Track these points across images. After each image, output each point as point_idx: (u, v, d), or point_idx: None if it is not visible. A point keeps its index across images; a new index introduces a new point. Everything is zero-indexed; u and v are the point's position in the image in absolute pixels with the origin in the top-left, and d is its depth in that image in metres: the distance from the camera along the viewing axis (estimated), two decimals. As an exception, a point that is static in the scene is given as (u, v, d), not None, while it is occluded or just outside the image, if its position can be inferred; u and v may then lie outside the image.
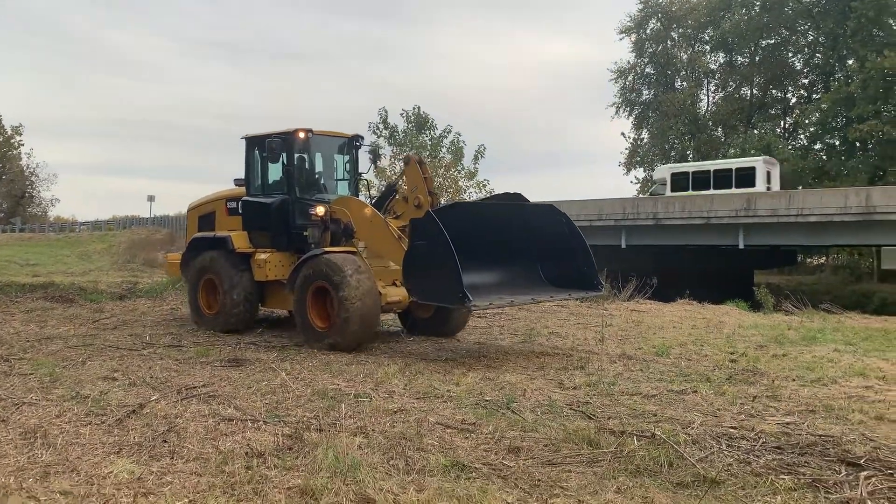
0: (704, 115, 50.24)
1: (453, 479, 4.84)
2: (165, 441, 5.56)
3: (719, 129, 49.79)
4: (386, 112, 38.25)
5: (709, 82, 51.64)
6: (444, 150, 37.20)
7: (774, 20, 44.24)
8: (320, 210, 11.06)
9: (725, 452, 5.46)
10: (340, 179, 12.59)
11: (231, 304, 11.69)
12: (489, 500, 4.34)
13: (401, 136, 37.75)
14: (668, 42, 50.65)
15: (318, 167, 12.47)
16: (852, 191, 27.92)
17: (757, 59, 47.12)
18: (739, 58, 49.05)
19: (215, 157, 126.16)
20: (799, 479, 4.90)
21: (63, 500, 4.36)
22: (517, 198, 10.63)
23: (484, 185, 35.65)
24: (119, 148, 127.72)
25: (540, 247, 10.38)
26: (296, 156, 11.70)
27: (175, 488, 4.58)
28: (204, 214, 13.20)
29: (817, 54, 44.84)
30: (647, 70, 51.83)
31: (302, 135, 11.60)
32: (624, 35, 51.16)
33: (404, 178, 11.31)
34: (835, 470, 5.09)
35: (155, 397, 7.00)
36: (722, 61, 50.06)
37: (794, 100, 48.46)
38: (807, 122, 44.53)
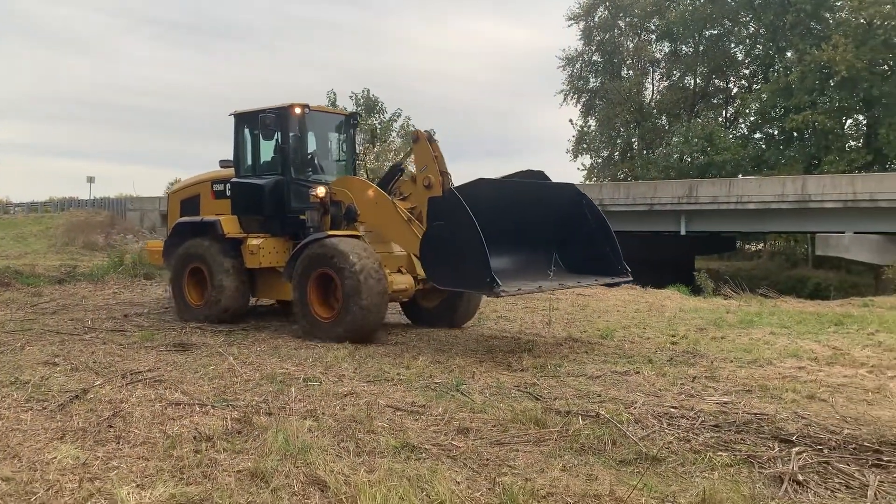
0: (649, 103, 51.12)
1: (403, 459, 4.91)
2: (111, 426, 5.48)
3: (663, 118, 50.73)
4: (335, 95, 37.87)
5: (654, 71, 52.50)
6: (394, 133, 37.05)
7: (718, 11, 45.17)
8: (320, 191, 10.33)
9: (666, 431, 5.66)
10: (337, 160, 11.88)
11: (221, 295, 10.85)
12: (438, 480, 4.41)
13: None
14: (616, 31, 51.27)
15: (314, 146, 11.63)
16: (789, 179, 28.86)
17: (700, 49, 48.09)
18: (684, 47, 49.94)
19: (161, 138, 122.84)
20: (735, 455, 5.12)
21: (5, 487, 4.27)
22: (539, 176, 9.88)
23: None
24: (56, 128, 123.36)
25: (558, 229, 9.69)
26: (291, 133, 10.91)
27: (122, 473, 4.53)
28: (187, 198, 12.33)
29: (758, 46, 45.98)
30: (595, 58, 52.39)
31: (298, 110, 10.85)
32: (572, 22, 51.61)
33: (413, 156, 10.18)
34: (769, 446, 5.33)
35: (98, 382, 6.88)
36: (667, 51, 50.91)
37: (735, 90, 49.65)
38: (747, 111, 45.71)
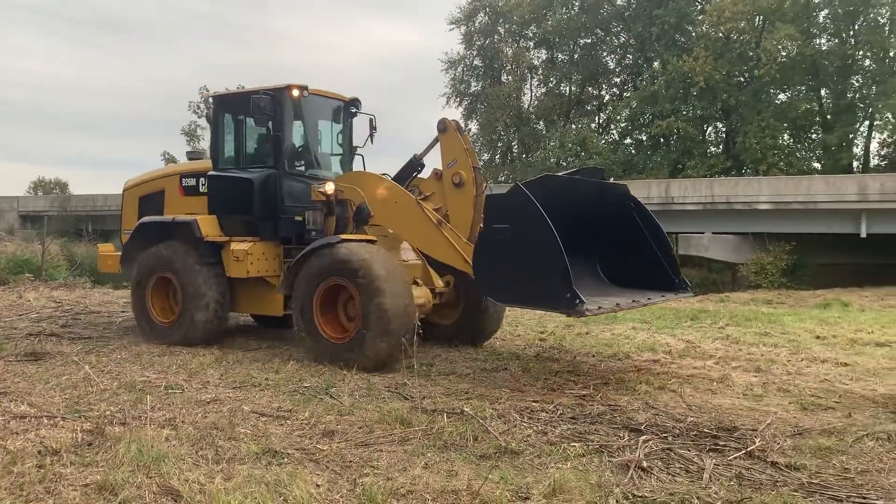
0: (528, 108, 52.60)
1: (264, 465, 4.84)
2: (-57, 444, 5.09)
3: (541, 123, 52.34)
4: (207, 90, 36.49)
5: (532, 77, 54.08)
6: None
7: (591, 21, 47.09)
8: (329, 188, 8.92)
9: (525, 425, 5.88)
10: (334, 153, 10.41)
11: (197, 310, 9.17)
12: (298, 484, 4.38)
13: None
14: (496, 37, 52.43)
15: (311, 135, 10.13)
16: (654, 182, 30.51)
17: (575, 57, 49.97)
18: (560, 55, 51.74)
19: (41, 133, 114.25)
20: (588, 445, 5.39)
21: None
22: (595, 174, 8.73)
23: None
24: None
25: (602, 236, 8.39)
26: (286, 119, 9.37)
27: (-48, 494, 4.22)
28: (148, 195, 10.58)
29: (628, 55, 48.28)
30: (476, 62, 53.36)
31: (296, 92, 9.27)
32: (454, 27, 52.35)
33: (438, 148, 8.77)
34: (619, 436, 5.64)
35: (-68, 398, 6.36)
36: (544, 58, 52.58)
37: (607, 97, 51.94)
38: (618, 118, 47.93)
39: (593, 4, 46.20)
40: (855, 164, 38.69)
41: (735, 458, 5.13)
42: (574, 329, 11.32)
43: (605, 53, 49.88)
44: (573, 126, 47.13)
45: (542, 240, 6.69)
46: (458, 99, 53.28)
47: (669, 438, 5.54)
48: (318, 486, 4.49)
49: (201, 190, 9.88)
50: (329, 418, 6.01)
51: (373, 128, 10.30)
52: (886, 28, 37.08)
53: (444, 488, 4.48)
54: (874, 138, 39.82)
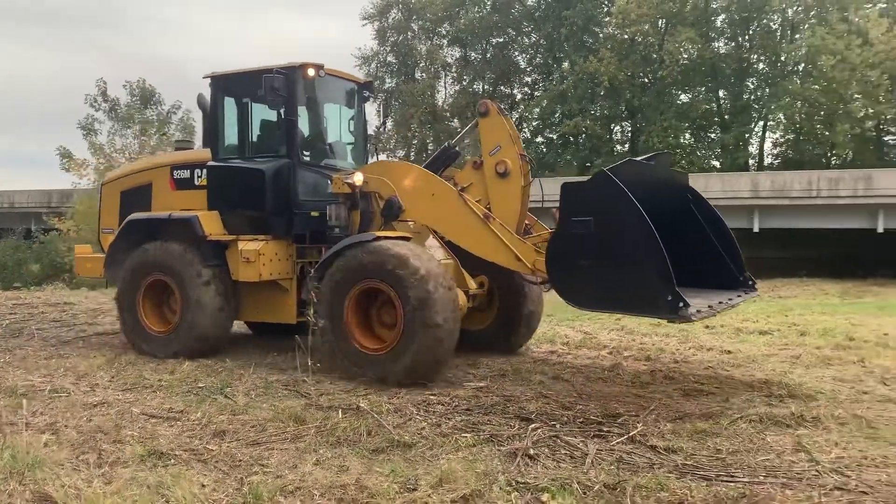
0: (442, 106, 52.90)
1: (149, 468, 4.74)
2: None
3: (455, 121, 52.74)
4: (105, 83, 34.98)
5: (446, 75, 54.42)
6: (172, 126, 35.09)
7: (503, 20, 47.77)
8: (358, 179, 7.95)
9: (420, 418, 5.96)
10: (348, 142, 9.45)
11: (198, 318, 8.22)
12: (181, 485, 4.32)
13: (123, 111, 34.82)
14: (409, 33, 52.47)
15: (326, 121, 9.20)
16: (563, 180, 31.24)
17: (488, 56, 50.58)
18: (473, 53, 52.27)
19: None
20: (479, 435, 5.51)
21: None
22: (666, 160, 8.04)
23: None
24: None
25: (667, 230, 6.69)
26: (300, 102, 8.47)
27: None
28: (132, 189, 9.47)
29: (539, 55, 49.27)
30: (390, 59, 53.27)
31: (311, 72, 8.31)
32: (367, 22, 52.08)
33: (478, 134, 7.98)
34: (510, 425, 5.79)
35: None
36: (458, 56, 52.99)
37: (519, 96, 52.85)
38: (530, 116, 48.85)
39: (504, 4, 46.86)
40: (751, 162, 40.72)
41: (617, 443, 5.34)
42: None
43: (516, 53, 50.70)
44: (486, 124, 47.66)
45: (636, 233, 6.01)
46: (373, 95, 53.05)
47: (557, 426, 5.73)
48: (203, 486, 4.44)
49: (197, 183, 8.87)
50: (221, 418, 5.92)
51: (386, 115, 10.12)
52: (778, 33, 39.17)
53: (332, 483, 4.50)
54: (768, 138, 42.06)
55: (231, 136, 8.90)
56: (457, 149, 8.62)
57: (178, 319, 8.42)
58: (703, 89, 41.15)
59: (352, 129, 9.41)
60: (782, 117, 38.04)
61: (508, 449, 5.18)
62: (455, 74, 53.56)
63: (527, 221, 8.00)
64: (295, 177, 8.32)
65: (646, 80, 41.73)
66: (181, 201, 8.91)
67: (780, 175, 27.43)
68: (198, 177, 8.92)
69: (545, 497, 4.28)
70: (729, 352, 8.97)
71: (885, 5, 35.55)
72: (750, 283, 7.57)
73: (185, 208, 8.73)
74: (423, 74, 53.07)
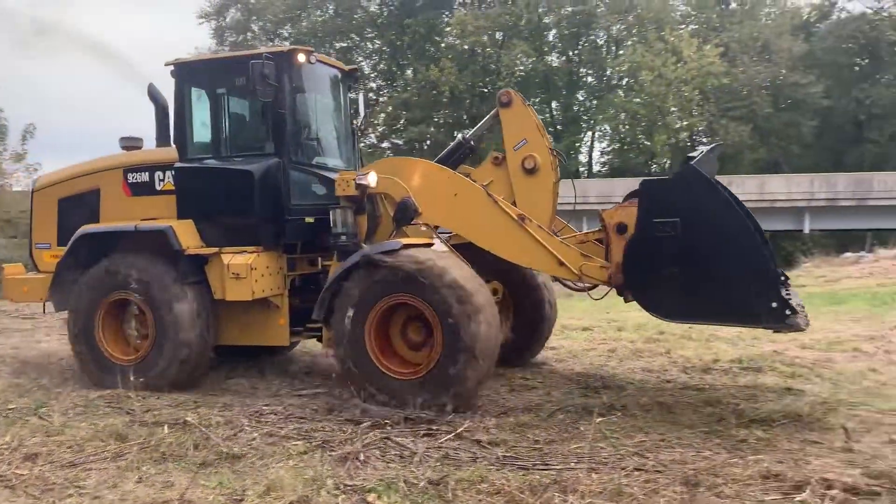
0: (286, 108, 51.98)
1: (-55, 499, 4.39)
2: None
3: (299, 124, 52.05)
4: None
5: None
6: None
7: (346, 25, 47.74)
8: (372, 179, 6.98)
9: (252, 429, 5.90)
10: (338, 136, 8.36)
11: (176, 345, 7.16)
12: (-17, 514, 4.05)
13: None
14: (249, 34, 51.10)
15: (315, 114, 8.09)
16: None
17: (332, 60, 50.38)
18: (316, 57, 51.83)
19: None
20: (311, 442, 5.55)
21: None
22: (719, 152, 7.37)
23: (36, 169, 31.58)
24: None
25: None
26: (290, 92, 7.34)
27: None
28: (73, 196, 8.12)
29: (383, 61, 49.68)
30: (229, 59, 51.65)
31: (301, 58, 7.29)
32: (204, 20, 50.13)
33: (500, 125, 7.30)
34: (343, 430, 5.87)
35: None
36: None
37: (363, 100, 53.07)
38: (376, 122, 49.13)
39: (347, 9, 46.86)
40: (582, 169, 43.33)
41: (445, 440, 5.59)
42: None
43: (360, 58, 50.78)
44: (330, 129, 47.45)
45: (732, 234, 5.59)
46: (211, 96, 51.19)
47: (389, 428, 5.88)
48: (9, 513, 4.18)
49: (160, 188, 7.68)
50: (34, 440, 5.56)
51: (367, 106, 8.86)
52: (604, 49, 42.01)
53: (155, 500, 4.40)
54: (596, 147, 44.99)
55: (202, 132, 7.79)
56: (472, 143, 7.87)
57: (149, 345, 7.33)
58: (537, 100, 43.27)
59: (338, 122, 8.38)
60: (608, 128, 40.80)
61: (339, 453, 5.27)
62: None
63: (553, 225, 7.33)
64: (287, 178, 7.30)
65: (485, 90, 43.27)
66: (139, 209, 7.68)
67: (608, 182, 29.44)
68: (160, 180, 7.70)
69: (371, 497, 4.42)
70: (553, 348, 9.55)
71: (696, 27, 39.12)
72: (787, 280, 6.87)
73: (145, 217, 7.58)
74: (265, 77, 51.87)
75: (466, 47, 41.32)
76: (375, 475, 4.86)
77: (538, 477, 4.74)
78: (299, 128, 7.68)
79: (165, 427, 5.81)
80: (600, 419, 5.77)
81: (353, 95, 8.52)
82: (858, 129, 39.13)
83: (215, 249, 7.33)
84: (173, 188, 7.59)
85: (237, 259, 7.13)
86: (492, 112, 7.49)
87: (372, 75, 51.38)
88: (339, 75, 8.33)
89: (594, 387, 7.31)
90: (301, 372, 8.20)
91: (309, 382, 7.72)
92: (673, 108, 37.49)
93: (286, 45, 7.50)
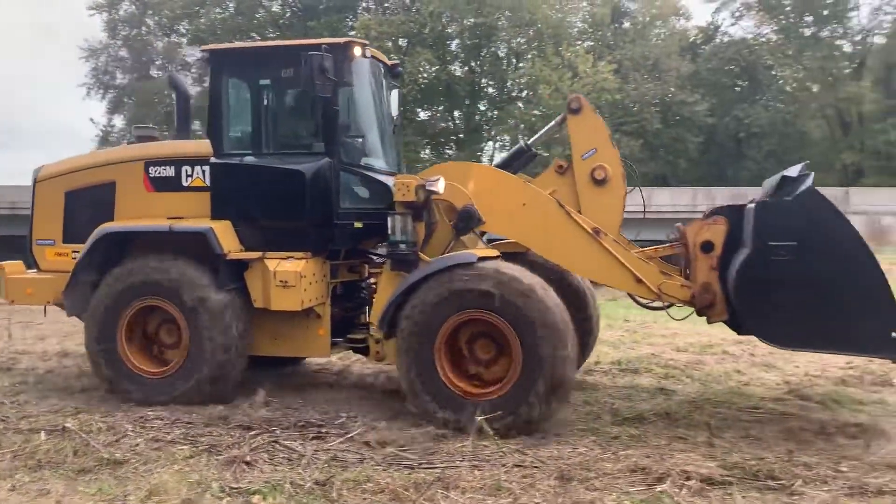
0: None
1: None
2: None
3: (197, 123, 50.48)
4: None
5: (187, 75, 51.85)
6: None
7: (247, 24, 46.74)
8: (441, 186, 6.60)
9: (136, 434, 5.82)
10: (384, 136, 7.80)
11: (213, 356, 6.64)
12: None
13: None
14: (144, 28, 49.24)
15: (365, 110, 7.48)
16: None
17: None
18: (216, 55, 50.51)
19: None
20: (197, 447, 5.52)
21: None
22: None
23: None
24: None
25: None
26: (343, 87, 6.83)
27: None
28: (82, 189, 7.48)
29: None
30: (122, 54, 49.52)
31: (357, 51, 6.90)
32: (95, 12, 47.93)
33: (568, 132, 6.92)
34: (231, 434, 5.87)
35: None
36: (199, 56, 50.78)
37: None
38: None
39: (249, 7, 46.00)
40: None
41: (336, 443, 5.68)
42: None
43: (261, 58, 49.94)
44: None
45: (854, 260, 5.45)
46: (102, 91, 49.04)
47: (278, 432, 5.92)
48: None
49: (187, 183, 7.14)
50: None
51: (400, 104, 8.00)
52: (504, 61, 42.99)
53: (28, 509, 4.28)
54: (497, 157, 45.98)
55: (240, 126, 7.31)
56: (533, 150, 7.41)
57: (180, 357, 6.81)
58: (441, 108, 43.81)
59: (383, 121, 7.77)
60: (507, 138, 41.78)
61: (226, 457, 5.27)
62: (196, 75, 51.32)
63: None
64: (337, 179, 6.82)
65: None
66: (162, 206, 7.13)
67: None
68: (187, 175, 7.14)
69: (256, 499, 4.48)
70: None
71: (591, 44, 40.68)
72: None
73: (170, 215, 7.02)
74: (160, 73, 50.14)
75: (370, 52, 41.33)
76: (262, 478, 4.91)
77: (423, 475, 4.92)
78: (349, 126, 7.15)
79: (42, 434, 5.65)
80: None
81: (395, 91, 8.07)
82: (739, 146, 41.64)
83: (258, 254, 6.81)
84: (204, 185, 7.04)
85: (285, 265, 6.66)
86: (557, 118, 7.09)
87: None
88: (383, 70, 7.76)
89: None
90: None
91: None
92: (571, 122, 38.77)
93: (342, 39, 7.03)
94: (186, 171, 7.15)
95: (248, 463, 5.17)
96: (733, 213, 6.28)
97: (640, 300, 6.81)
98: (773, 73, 39.84)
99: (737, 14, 44.28)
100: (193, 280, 6.71)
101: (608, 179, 6.67)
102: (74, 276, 7.11)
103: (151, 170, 7.25)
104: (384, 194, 6.93)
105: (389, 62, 7.91)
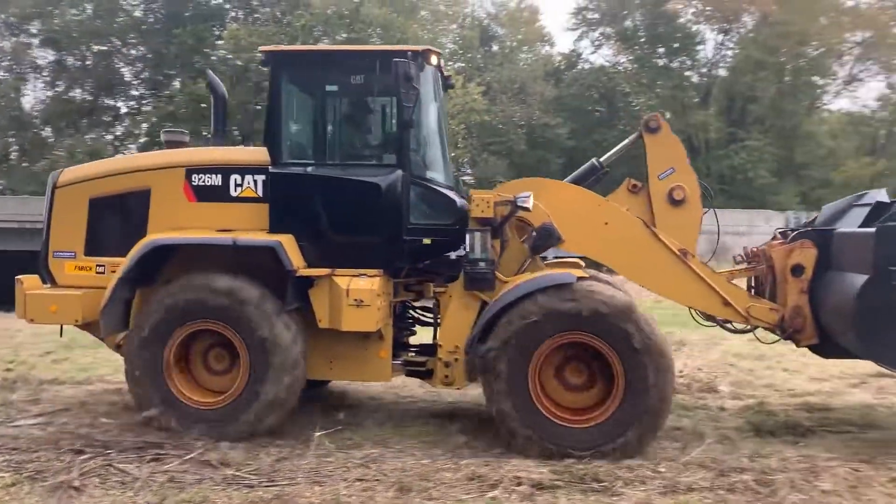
0: (31, 111, 47.06)
1: None
2: None
3: (47, 129, 47.35)
4: None
5: (37, 78, 48.61)
6: None
7: (106, 27, 44.45)
8: (530, 202, 6.31)
9: (-50, 463, 5.41)
10: (443, 148, 7.39)
11: (276, 383, 6.09)
12: None
13: None
14: (-11, 26, 45.75)
15: (430, 122, 7.09)
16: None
17: (88, 63, 46.52)
18: (71, 59, 47.60)
19: None
20: (21, 473, 5.23)
21: None
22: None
23: None
24: None
25: None
26: (421, 97, 6.43)
27: None
28: (110, 197, 6.80)
29: (147, 69, 46.86)
30: (-37, 52, 45.76)
31: (434, 59, 6.65)
32: (-69, 6, 44.02)
33: (646, 151, 6.90)
34: (61, 459, 5.58)
35: None
36: (51, 59, 47.73)
37: (125, 109, 49.53)
38: (138, 132, 46.16)
39: (108, 11, 43.81)
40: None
41: (175, 464, 5.53)
42: (53, 356, 10.60)
43: (121, 64, 47.57)
44: (85, 136, 43.80)
45: None
46: (-62, 91, 44.99)
47: (113, 454, 5.69)
48: None
49: (236, 193, 6.58)
50: None
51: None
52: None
53: None
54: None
55: (302, 134, 6.97)
56: (606, 168, 7.30)
57: (240, 385, 6.24)
58: (312, 121, 43.35)
59: (441, 133, 7.51)
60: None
61: (53, 483, 5.03)
62: (48, 79, 48.18)
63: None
64: (408, 193, 6.51)
65: (258, 107, 42.54)
66: (206, 217, 6.57)
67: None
68: (236, 185, 6.61)
69: (79, 525, 4.29)
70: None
71: (462, 65, 41.70)
72: None
73: (219, 228, 6.50)
74: (7, 74, 46.70)
75: (240, 63, 40.37)
76: (91, 503, 4.71)
77: (261, 493, 4.91)
78: (420, 137, 6.90)
79: None
80: (322, 432, 6.06)
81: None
82: (598, 168, 43.99)
83: (327, 271, 6.37)
84: (255, 195, 6.57)
85: (359, 283, 6.23)
86: (632, 136, 7.12)
87: (134, 83, 48.36)
88: (441, 80, 7.40)
89: (332, 404, 7.59)
90: (22, 400, 7.58)
91: (28, 411, 7.16)
92: (441, 140, 39.51)
93: (420, 46, 6.73)
94: (236, 179, 6.61)
95: (76, 488, 4.97)
96: (820, 237, 6.47)
97: (724, 324, 6.85)
98: (630, 99, 42.27)
99: (596, 43, 46.95)
100: (258, 300, 6.20)
101: (686, 200, 6.73)
102: (114, 293, 6.40)
103: (194, 177, 6.66)
104: (450, 210, 6.69)
105: (445, 73, 7.54)
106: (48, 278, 6.94)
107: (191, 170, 6.68)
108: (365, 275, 6.34)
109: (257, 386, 6.16)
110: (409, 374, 6.98)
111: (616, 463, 5.59)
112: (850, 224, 6.49)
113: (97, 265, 6.75)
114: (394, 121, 6.76)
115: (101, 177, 6.95)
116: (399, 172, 6.44)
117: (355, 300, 6.15)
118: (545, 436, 5.85)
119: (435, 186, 6.86)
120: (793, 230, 6.98)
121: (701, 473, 5.42)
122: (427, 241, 6.59)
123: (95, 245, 6.81)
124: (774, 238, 7.04)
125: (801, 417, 7.17)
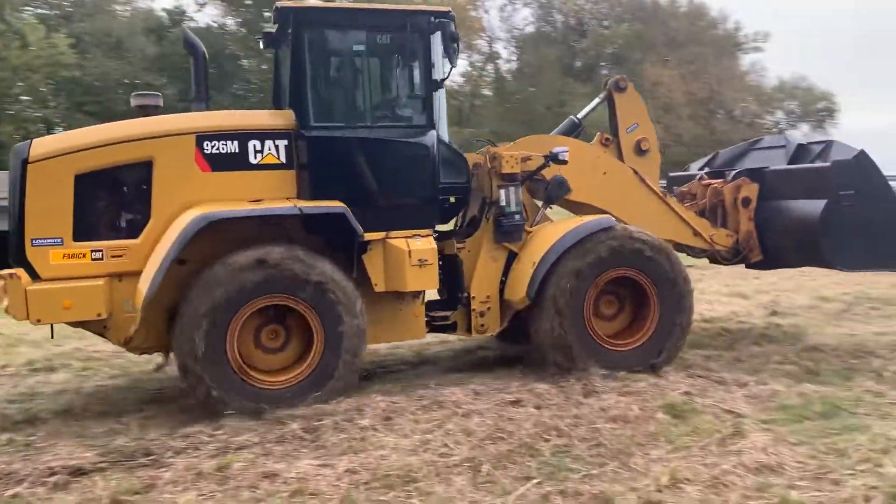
0: None
1: None
2: None
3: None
4: None
5: None
6: None
7: None
8: (566, 155, 6.93)
9: None
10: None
11: (348, 358, 6.03)
12: None
13: None
14: None
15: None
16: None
17: None
18: None
19: None
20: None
21: None
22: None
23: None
24: None
25: None
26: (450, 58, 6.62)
27: None
28: (102, 170, 5.94)
29: None
30: None
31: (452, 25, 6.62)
32: None
33: (615, 110, 7.82)
34: None
35: None
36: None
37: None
38: None
39: None
40: None
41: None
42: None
43: None
44: None
45: (890, 204, 7.38)
46: None
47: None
48: None
49: (256, 161, 6.09)
50: None
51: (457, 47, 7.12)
52: None
53: None
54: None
55: (329, 95, 6.74)
56: (581, 123, 8.07)
57: (314, 361, 5.99)
58: None
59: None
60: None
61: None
62: None
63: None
64: (439, 153, 6.66)
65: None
66: (223, 188, 6.02)
67: None
68: (256, 151, 6.12)
69: None
70: None
71: (44, 12, 36.71)
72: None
73: (239, 198, 5.98)
74: None
75: None
76: None
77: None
78: (439, 98, 6.94)
79: None
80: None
81: None
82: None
83: (383, 234, 6.38)
84: (278, 161, 6.22)
85: (419, 244, 6.37)
86: (602, 94, 7.99)
87: None
88: None
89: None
90: None
91: None
92: (25, 98, 34.41)
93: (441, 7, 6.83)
94: (255, 146, 6.19)
95: None
96: (756, 175, 7.97)
97: (697, 250, 8.11)
98: (240, 63, 41.59)
99: (200, 2, 45.02)
100: (328, 272, 5.98)
101: (649, 149, 7.82)
102: (163, 276, 5.63)
103: (206, 145, 6.09)
104: (465, 168, 7.02)
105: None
106: (30, 269, 5.84)
107: (202, 136, 6.11)
108: (418, 235, 6.51)
109: (331, 359, 6.05)
110: (433, 329, 7.09)
111: (173, 433, 5.50)
112: (778, 164, 8.11)
113: (92, 251, 5.89)
114: (421, 81, 6.81)
115: (87, 148, 5.99)
116: (433, 132, 6.64)
117: (419, 260, 6.30)
118: (593, 353, 6.69)
119: (452, 145, 7.29)
120: (718, 172, 8.53)
121: (255, 431, 5.59)
122: (452, 199, 7.16)
123: (86, 229, 5.96)
124: (701, 179, 8.44)
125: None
